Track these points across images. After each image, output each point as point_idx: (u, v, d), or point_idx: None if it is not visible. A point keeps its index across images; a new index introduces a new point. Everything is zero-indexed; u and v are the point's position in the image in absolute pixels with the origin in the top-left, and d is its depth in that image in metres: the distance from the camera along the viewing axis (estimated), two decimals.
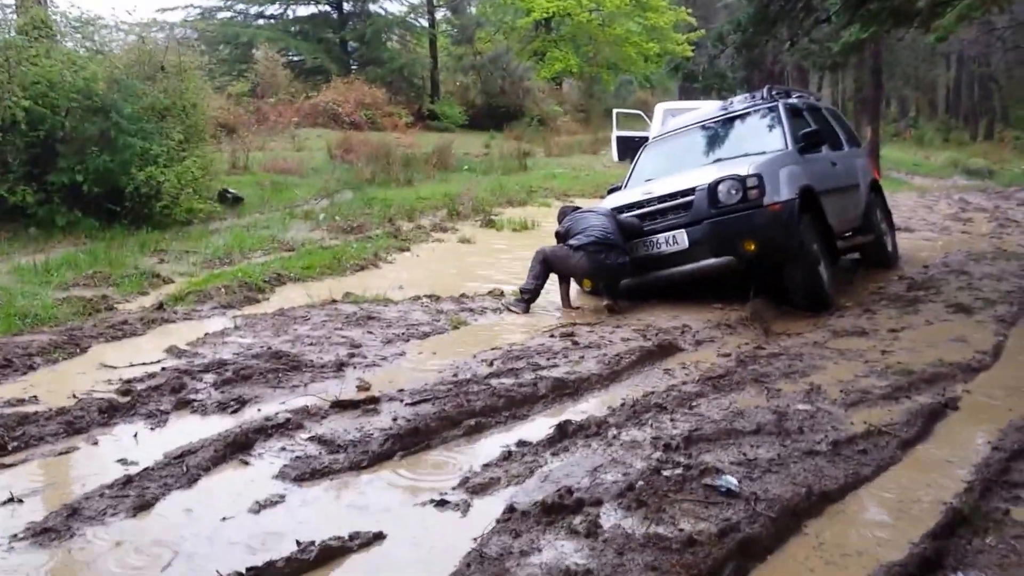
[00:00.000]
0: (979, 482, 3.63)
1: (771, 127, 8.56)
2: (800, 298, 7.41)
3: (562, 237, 7.80)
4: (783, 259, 7.23)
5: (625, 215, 7.79)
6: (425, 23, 36.04)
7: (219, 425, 4.24)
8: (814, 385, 5.11)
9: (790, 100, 9.14)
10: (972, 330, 6.59)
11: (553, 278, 7.74)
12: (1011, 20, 19.16)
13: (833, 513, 3.44)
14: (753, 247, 7.09)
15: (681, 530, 3.13)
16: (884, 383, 5.15)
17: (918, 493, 3.64)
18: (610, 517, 3.27)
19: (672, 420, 4.45)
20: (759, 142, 8.38)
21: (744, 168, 7.35)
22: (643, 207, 7.72)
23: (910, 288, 8.44)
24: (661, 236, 7.50)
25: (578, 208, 8.34)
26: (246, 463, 3.82)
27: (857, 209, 9.34)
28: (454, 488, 3.61)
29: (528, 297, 7.42)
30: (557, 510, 3.29)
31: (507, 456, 3.95)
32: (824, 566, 3.03)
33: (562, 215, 8.23)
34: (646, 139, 19.43)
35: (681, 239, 7.38)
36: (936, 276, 9.06)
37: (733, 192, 7.21)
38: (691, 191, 7.43)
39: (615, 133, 23.91)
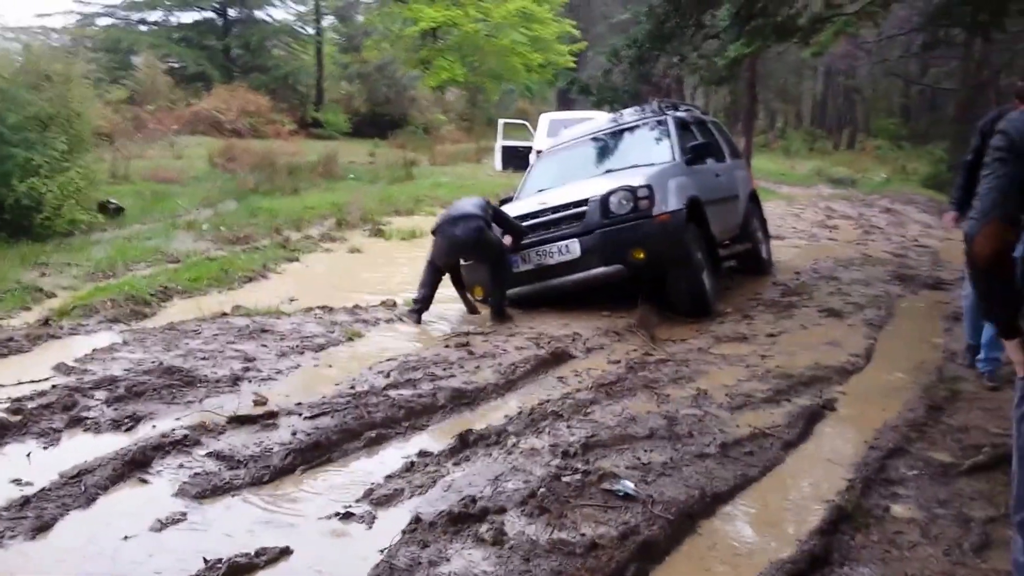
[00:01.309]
0: (859, 480, 3.87)
1: (660, 139, 8.83)
2: (684, 305, 7.67)
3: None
4: (670, 267, 7.47)
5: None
6: (312, 31, 35.59)
7: (114, 443, 4.13)
8: (701, 390, 5.32)
9: (678, 113, 9.45)
10: (844, 334, 6.95)
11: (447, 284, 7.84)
12: (878, 35, 20.23)
13: (725, 513, 3.62)
14: (642, 255, 7.31)
15: (583, 535, 3.23)
16: (766, 387, 5.40)
17: (803, 492, 3.86)
18: (515, 524, 3.34)
19: (569, 427, 4.56)
20: (649, 154, 8.63)
21: (635, 179, 7.59)
22: (537, 217, 7.85)
23: (784, 294, 8.82)
24: (554, 245, 7.64)
25: None
26: (144, 481, 3.75)
27: (737, 218, 9.72)
28: (358, 500, 3.63)
29: (419, 307, 7.44)
30: (463, 519, 3.35)
31: (409, 467, 4.00)
32: (719, 565, 3.19)
33: None
34: (529, 148, 19.76)
35: (573, 248, 7.54)
36: (808, 282, 9.48)
37: (624, 202, 7.43)
38: (584, 202, 7.61)
39: (500, 142, 24.10)
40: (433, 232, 7.87)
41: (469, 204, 7.90)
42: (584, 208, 7.58)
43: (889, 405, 5.09)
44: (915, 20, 17.17)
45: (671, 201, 7.51)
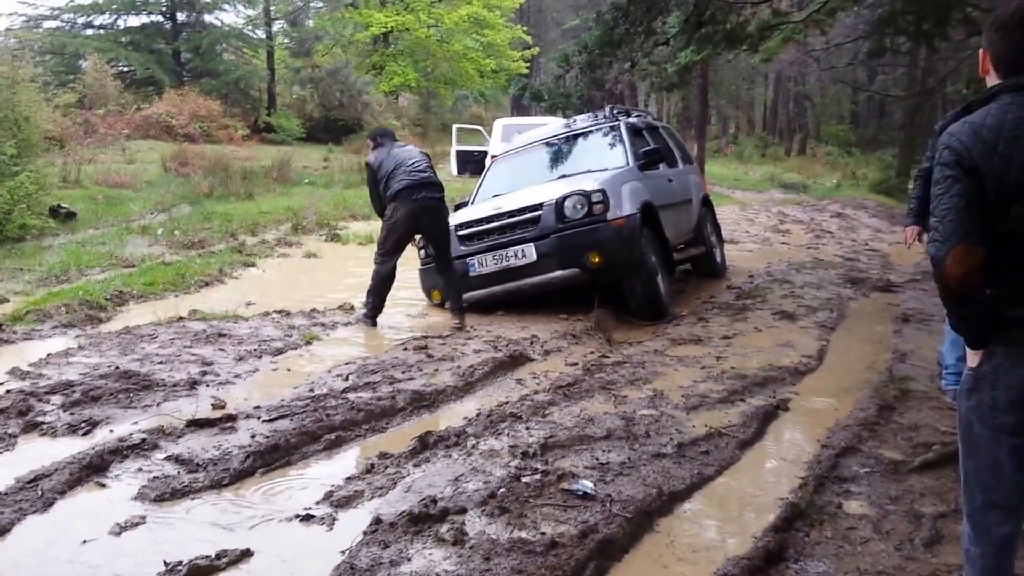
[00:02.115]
0: (812, 478, 3.96)
1: (613, 145, 8.93)
2: (639, 308, 7.78)
3: (372, 171, 7.56)
4: (625, 271, 7.57)
5: (473, 229, 7.98)
6: (262, 35, 35.29)
7: (71, 447, 4.10)
8: (657, 391, 5.40)
9: (630, 119, 9.56)
10: (797, 335, 7.10)
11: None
12: (827, 42, 20.67)
13: (682, 511, 3.69)
14: (598, 259, 7.39)
15: (543, 534, 3.27)
16: (721, 387, 5.50)
17: (758, 490, 3.94)
18: (475, 524, 3.38)
19: (527, 428, 4.61)
20: (602, 159, 8.73)
21: (589, 184, 7.67)
22: (493, 222, 7.91)
23: (739, 297, 8.98)
24: (511, 249, 7.70)
25: (388, 133, 8.05)
26: (103, 485, 3.73)
27: (690, 223, 9.86)
28: (318, 502, 3.64)
29: (372, 313, 7.34)
30: (423, 520, 3.38)
31: (369, 469, 4.01)
32: (677, 562, 3.24)
33: (373, 137, 7.98)
34: (484, 153, 19.83)
35: (530, 252, 7.61)
36: (761, 285, 9.64)
37: (579, 207, 7.51)
38: (539, 206, 7.67)
39: (454, 147, 24.16)
40: (391, 199, 7.37)
41: (422, 161, 7.54)
42: (539, 213, 7.65)
43: (841, 404, 5.22)
44: (861, 28, 17.53)
45: (625, 206, 7.62)
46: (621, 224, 7.47)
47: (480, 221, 8.01)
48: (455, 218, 8.43)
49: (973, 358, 2.48)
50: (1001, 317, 2.37)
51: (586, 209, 7.50)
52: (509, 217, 7.84)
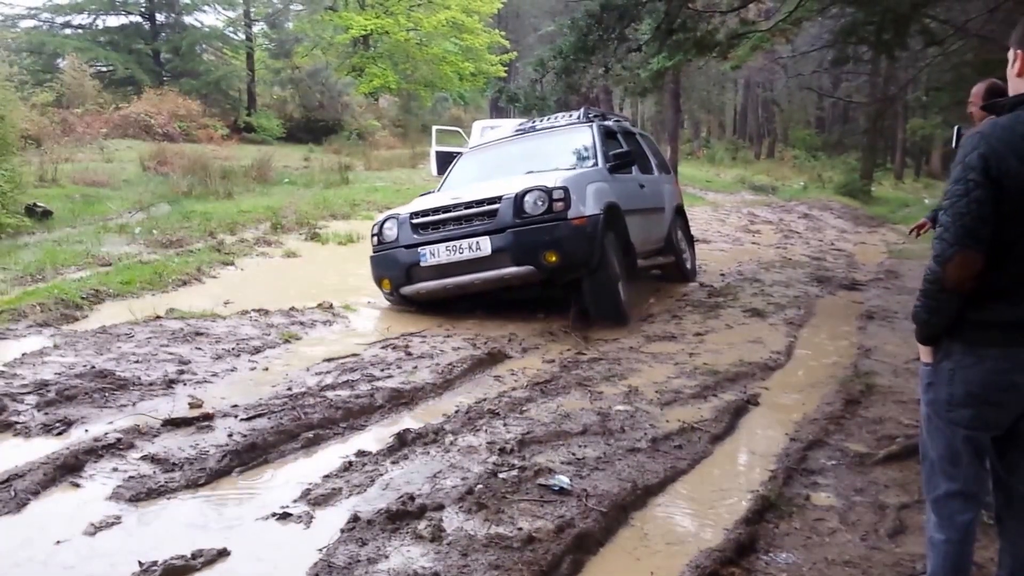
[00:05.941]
0: (782, 471, 4.04)
1: (584, 145, 8.76)
2: (597, 310, 7.56)
3: None
4: (583, 272, 7.35)
5: (428, 218, 7.78)
6: (242, 36, 35.16)
7: (45, 447, 4.06)
8: (632, 387, 5.47)
9: (605, 122, 9.47)
10: (766, 332, 7.23)
11: None
12: (793, 50, 21.05)
13: (656, 505, 3.75)
14: (555, 258, 7.17)
15: (520, 529, 3.31)
16: (693, 383, 5.59)
17: (729, 483, 4.01)
18: (452, 520, 3.41)
19: (505, 425, 4.66)
20: (571, 158, 8.61)
21: (551, 180, 7.48)
22: (449, 211, 7.67)
23: (711, 295, 9.10)
24: (464, 242, 7.43)
25: None
26: (77, 485, 3.70)
27: (660, 231, 9.75)
28: (295, 501, 3.65)
29: None
30: (401, 517, 3.41)
31: (347, 466, 4.02)
32: (650, 555, 3.30)
33: None
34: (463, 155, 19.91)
35: (484, 246, 7.35)
36: (732, 283, 9.79)
37: (539, 203, 7.29)
38: (498, 199, 7.44)
39: (434, 148, 24.18)
40: None
41: None
42: (497, 206, 7.40)
43: (809, 399, 5.32)
44: (825, 37, 17.88)
45: (588, 205, 7.43)
46: (582, 223, 7.26)
47: (436, 210, 7.73)
48: (411, 206, 8.26)
49: (926, 353, 2.55)
50: (960, 317, 2.42)
51: (546, 205, 7.27)
52: (466, 208, 7.57)
